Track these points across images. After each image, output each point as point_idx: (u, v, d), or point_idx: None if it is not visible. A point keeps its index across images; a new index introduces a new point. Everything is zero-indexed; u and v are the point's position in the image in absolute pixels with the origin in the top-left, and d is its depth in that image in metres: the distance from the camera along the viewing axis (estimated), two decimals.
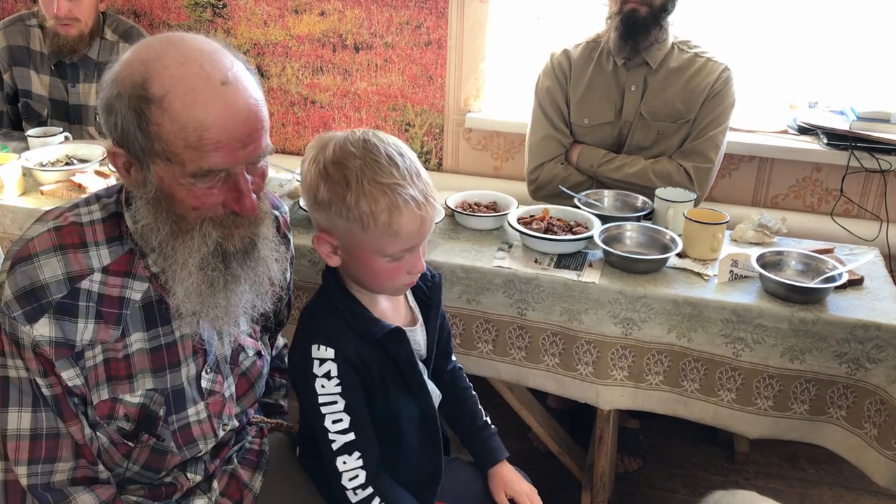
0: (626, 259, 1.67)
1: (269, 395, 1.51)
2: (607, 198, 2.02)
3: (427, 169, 1.20)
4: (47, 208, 1.17)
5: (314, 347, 1.20)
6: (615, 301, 1.63)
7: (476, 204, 1.93)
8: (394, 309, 1.32)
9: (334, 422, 1.20)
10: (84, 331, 1.07)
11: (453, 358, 1.49)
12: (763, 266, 1.63)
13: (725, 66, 2.12)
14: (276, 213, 1.31)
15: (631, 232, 1.80)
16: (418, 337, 1.33)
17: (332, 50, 2.83)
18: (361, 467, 1.21)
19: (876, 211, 2.49)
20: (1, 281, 1.07)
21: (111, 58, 2.56)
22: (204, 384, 1.19)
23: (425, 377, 1.31)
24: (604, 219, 1.84)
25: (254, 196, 1.07)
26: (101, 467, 1.14)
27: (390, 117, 2.87)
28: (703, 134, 2.11)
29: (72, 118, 2.66)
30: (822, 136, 2.41)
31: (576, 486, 1.98)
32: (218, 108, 0.99)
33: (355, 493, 1.22)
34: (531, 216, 1.84)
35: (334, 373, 1.20)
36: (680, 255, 1.73)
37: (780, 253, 1.70)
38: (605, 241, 1.72)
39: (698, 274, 1.68)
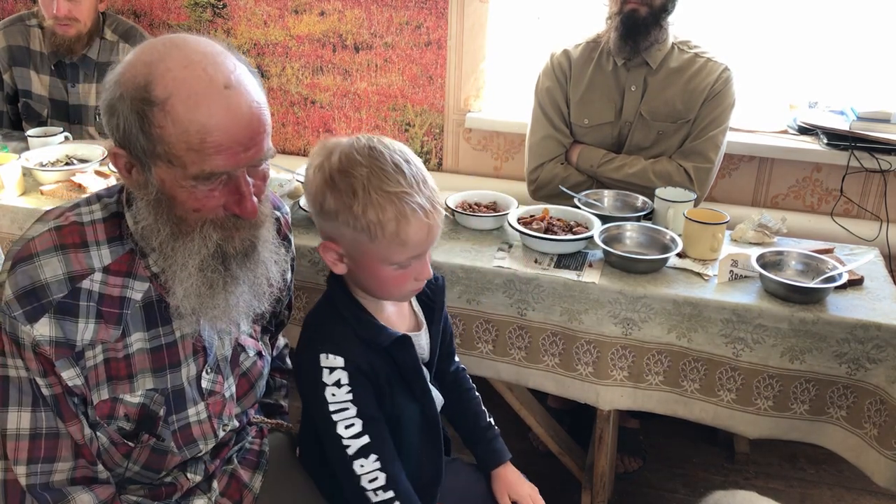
0: (626, 259, 1.67)
1: (269, 395, 1.51)
2: (607, 198, 2.02)
3: (427, 169, 1.20)
4: (47, 208, 1.17)
5: (322, 356, 1.19)
6: (615, 301, 1.63)
7: (476, 204, 1.93)
8: (398, 314, 1.31)
9: (347, 427, 1.20)
10: (84, 330, 1.07)
11: (456, 359, 1.49)
12: (763, 266, 1.63)
13: (725, 66, 2.12)
14: (278, 213, 1.31)
15: (631, 232, 1.80)
16: (422, 341, 1.32)
17: (332, 50, 2.83)
18: (380, 469, 1.21)
19: (876, 211, 2.49)
20: (1, 280, 1.07)
21: (111, 58, 2.58)
22: (204, 384, 1.19)
23: (429, 382, 1.31)
24: (604, 219, 1.84)
25: (255, 199, 1.07)
26: (100, 467, 1.14)
27: (390, 117, 2.87)
28: (703, 134, 2.11)
29: (72, 118, 2.66)
30: (822, 136, 2.41)
31: (576, 486, 1.98)
32: (221, 112, 0.99)
33: (376, 494, 1.21)
34: (531, 216, 1.84)
35: (345, 381, 1.19)
36: (680, 255, 1.73)
37: (780, 253, 1.71)
38: (605, 241, 1.72)
39: (698, 274, 1.68)
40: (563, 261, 1.72)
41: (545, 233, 1.75)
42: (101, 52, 2.59)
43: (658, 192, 1.89)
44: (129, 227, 1.10)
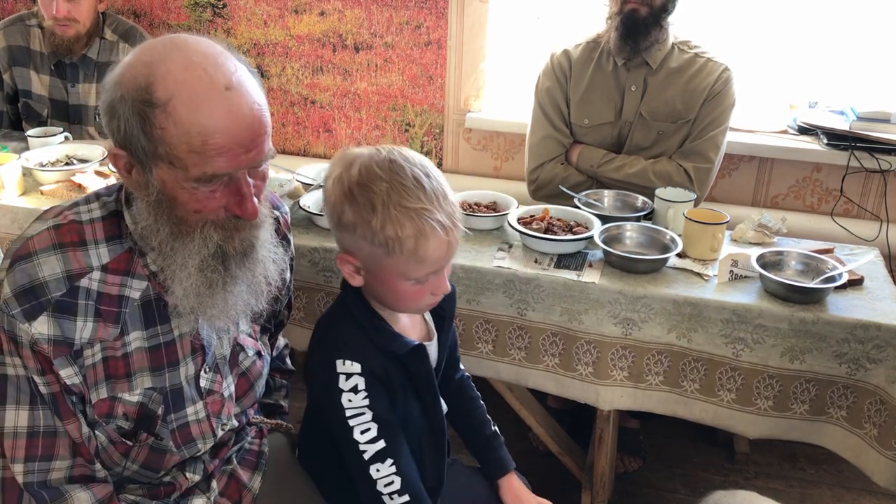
0: (626, 259, 1.67)
1: (269, 395, 1.50)
2: (607, 198, 2.02)
3: None
4: (47, 208, 1.17)
5: (339, 362, 1.19)
6: (615, 301, 1.63)
7: (476, 204, 1.93)
8: (411, 323, 1.31)
9: (363, 432, 1.19)
10: (83, 329, 1.07)
11: (461, 367, 1.49)
12: (763, 266, 1.63)
13: (725, 66, 2.12)
14: (277, 213, 1.31)
15: (631, 232, 1.80)
16: (433, 350, 1.32)
17: (332, 50, 2.83)
18: (395, 473, 1.20)
19: (876, 211, 2.49)
20: (0, 279, 1.07)
21: (111, 58, 2.58)
22: (203, 383, 1.19)
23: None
24: (604, 219, 1.84)
25: (255, 200, 1.07)
26: (98, 465, 1.14)
27: (390, 117, 2.87)
28: (703, 134, 2.11)
29: (72, 118, 2.66)
30: (822, 136, 2.41)
31: (576, 486, 1.98)
32: (222, 114, 0.99)
33: (391, 498, 1.21)
34: (531, 216, 1.84)
35: (362, 386, 1.18)
36: (680, 256, 1.73)
37: (780, 253, 1.70)
38: (605, 241, 1.72)
39: (698, 274, 1.68)
40: (563, 261, 1.72)
41: (545, 233, 1.75)
42: (101, 52, 2.59)
43: (658, 192, 1.89)
44: (127, 225, 1.10)
